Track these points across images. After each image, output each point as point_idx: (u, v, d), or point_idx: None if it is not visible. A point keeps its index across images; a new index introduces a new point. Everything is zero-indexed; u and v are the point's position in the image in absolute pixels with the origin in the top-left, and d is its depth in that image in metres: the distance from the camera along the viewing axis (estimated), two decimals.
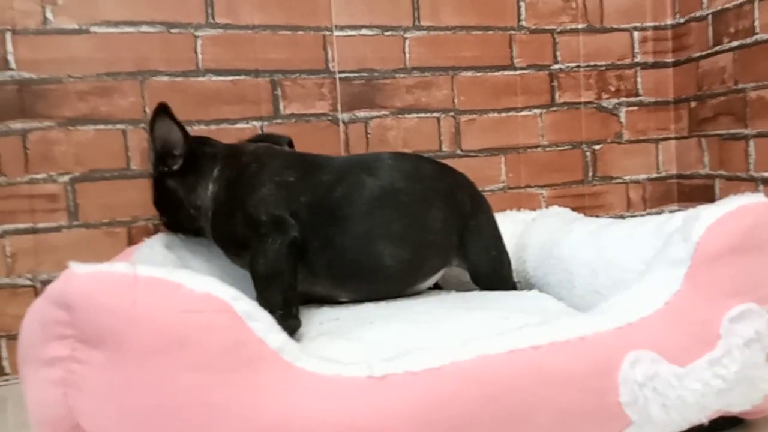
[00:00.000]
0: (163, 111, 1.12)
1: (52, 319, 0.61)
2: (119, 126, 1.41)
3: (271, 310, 0.87)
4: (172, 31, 1.43)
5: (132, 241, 1.40)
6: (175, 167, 1.16)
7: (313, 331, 0.96)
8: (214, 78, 1.46)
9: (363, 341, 0.87)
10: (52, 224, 1.37)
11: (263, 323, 0.65)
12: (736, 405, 0.79)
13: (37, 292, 1.34)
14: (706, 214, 0.83)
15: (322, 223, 1.08)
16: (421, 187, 1.15)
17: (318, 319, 1.02)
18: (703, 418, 0.76)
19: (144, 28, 1.42)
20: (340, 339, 0.88)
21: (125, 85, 1.41)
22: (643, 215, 1.76)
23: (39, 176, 1.37)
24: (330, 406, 0.63)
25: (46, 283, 1.34)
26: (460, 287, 1.25)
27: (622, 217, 1.78)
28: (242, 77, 1.48)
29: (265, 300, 0.98)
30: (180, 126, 1.15)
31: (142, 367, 0.60)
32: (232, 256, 1.14)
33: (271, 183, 1.10)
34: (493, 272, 1.22)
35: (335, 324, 0.96)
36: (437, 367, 0.65)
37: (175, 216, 1.21)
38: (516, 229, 1.40)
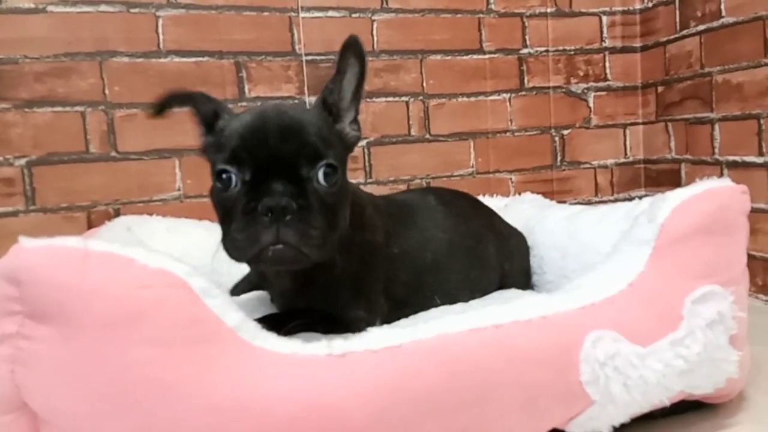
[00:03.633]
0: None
1: (0, 295, 0.59)
2: (78, 108, 1.37)
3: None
4: (132, 10, 1.40)
5: (92, 226, 1.36)
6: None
7: None
8: (177, 59, 1.43)
9: None
10: (8, 209, 1.34)
11: (220, 300, 0.63)
12: (698, 387, 0.79)
13: None
14: (672, 197, 0.83)
15: (419, 293, 0.99)
16: (473, 226, 1.12)
17: None
18: (665, 399, 0.76)
19: (103, 8, 1.38)
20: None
21: (84, 65, 1.37)
22: (611, 200, 1.78)
23: None
24: (288, 384, 0.61)
25: None
26: None
27: (590, 202, 1.79)
28: (206, 59, 1.45)
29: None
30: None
31: (92, 343, 0.58)
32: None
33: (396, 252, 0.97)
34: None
35: None
36: (397, 345, 0.64)
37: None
38: None
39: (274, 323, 0.73)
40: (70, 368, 0.58)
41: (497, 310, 0.70)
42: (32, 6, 1.34)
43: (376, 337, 0.65)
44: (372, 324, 0.86)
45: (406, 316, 0.95)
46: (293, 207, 0.72)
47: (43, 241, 0.60)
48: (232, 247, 0.76)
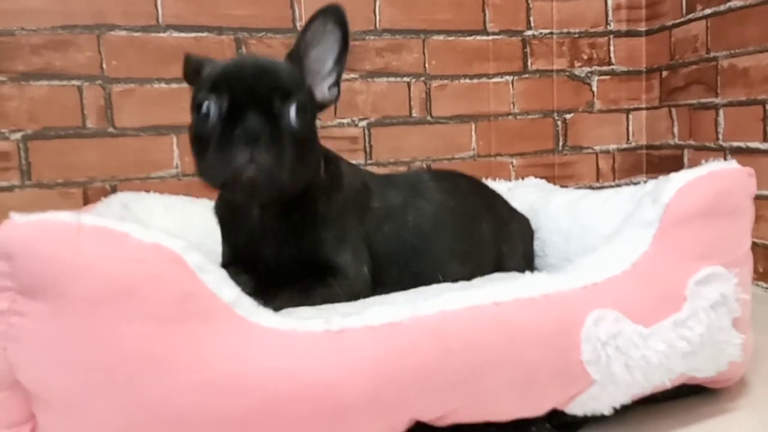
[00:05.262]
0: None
1: None
2: (75, 82, 1.35)
3: None
4: None
5: (88, 202, 1.35)
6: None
7: None
8: (176, 34, 1.41)
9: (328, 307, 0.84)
10: (3, 183, 1.32)
11: (215, 276, 0.62)
12: (701, 370, 0.78)
13: None
14: (677, 178, 0.82)
15: (399, 252, 1.01)
16: (469, 203, 1.13)
17: None
18: (667, 381, 0.75)
19: None
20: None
21: (81, 38, 1.35)
22: (612, 186, 1.76)
23: None
24: (285, 360, 0.60)
25: None
26: None
27: (591, 187, 1.77)
28: (205, 34, 1.43)
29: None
30: None
31: (86, 319, 0.57)
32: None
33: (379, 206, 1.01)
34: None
35: None
36: (397, 321, 0.63)
37: None
38: None
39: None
40: (63, 344, 0.58)
41: (498, 288, 0.69)
42: None
43: (376, 314, 0.64)
44: (360, 271, 0.93)
45: (394, 276, 0.98)
46: (267, 133, 0.79)
47: (36, 216, 0.59)
48: (208, 170, 0.82)
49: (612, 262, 0.78)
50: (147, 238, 0.60)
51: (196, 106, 0.84)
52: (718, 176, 0.82)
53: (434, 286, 0.91)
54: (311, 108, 0.89)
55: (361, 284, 0.93)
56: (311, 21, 0.89)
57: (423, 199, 1.07)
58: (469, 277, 1.05)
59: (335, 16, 0.88)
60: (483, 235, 1.12)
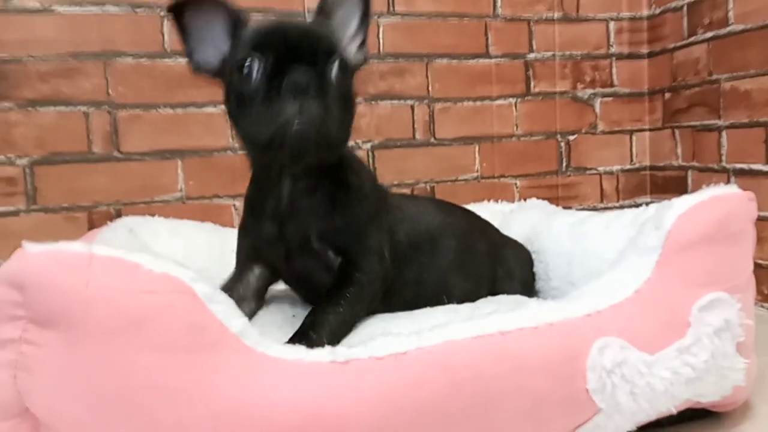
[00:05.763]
0: None
1: (3, 300, 0.59)
2: (81, 108, 1.37)
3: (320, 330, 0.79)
4: (138, 11, 1.40)
5: (93, 226, 1.36)
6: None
7: (286, 324, 0.93)
8: (182, 60, 1.42)
9: None
10: (9, 208, 1.33)
11: (224, 306, 0.63)
12: (705, 395, 0.78)
13: None
14: (678, 204, 0.82)
15: (416, 254, 1.02)
16: (464, 223, 1.15)
17: (291, 312, 0.99)
18: (672, 407, 0.75)
19: (109, 8, 1.38)
20: None
21: (89, 66, 1.37)
22: (616, 207, 1.77)
23: None
24: (291, 390, 0.61)
25: None
26: None
27: (595, 208, 1.78)
28: None
29: (336, 316, 0.83)
30: None
31: (96, 348, 0.58)
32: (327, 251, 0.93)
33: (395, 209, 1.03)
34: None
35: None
36: (402, 352, 0.63)
37: None
38: (493, 220, 1.39)
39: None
40: (73, 374, 0.58)
41: (503, 317, 0.70)
42: (39, 6, 1.33)
43: (381, 345, 0.64)
44: (382, 256, 0.92)
45: (409, 279, 0.99)
46: (316, 85, 0.79)
47: (47, 246, 0.59)
48: (253, 127, 0.81)
49: (615, 289, 0.78)
50: (157, 269, 0.61)
51: (236, 66, 0.82)
52: (720, 202, 0.82)
53: (440, 312, 0.91)
54: (349, 68, 0.89)
55: (384, 271, 0.92)
56: None
57: (426, 212, 1.10)
58: (471, 292, 1.06)
59: None
60: (480, 253, 1.13)
